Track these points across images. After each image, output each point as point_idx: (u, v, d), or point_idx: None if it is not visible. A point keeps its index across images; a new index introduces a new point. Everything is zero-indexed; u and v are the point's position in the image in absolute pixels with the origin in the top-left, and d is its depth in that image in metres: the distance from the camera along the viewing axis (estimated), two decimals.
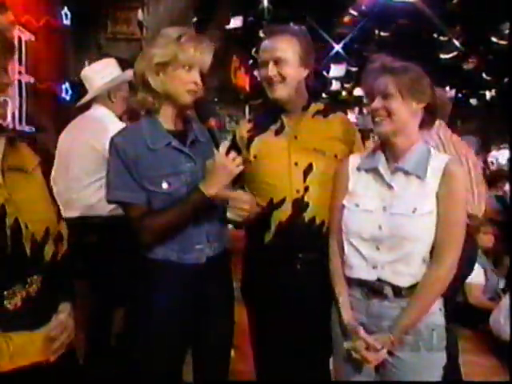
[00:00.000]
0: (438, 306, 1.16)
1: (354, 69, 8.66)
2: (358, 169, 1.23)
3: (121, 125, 1.90)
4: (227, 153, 1.15)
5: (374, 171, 1.19)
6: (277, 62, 1.34)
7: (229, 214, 1.23)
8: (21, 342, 0.91)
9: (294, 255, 1.35)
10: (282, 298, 1.34)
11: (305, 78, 1.41)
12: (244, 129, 1.48)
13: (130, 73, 2.02)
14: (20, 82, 2.78)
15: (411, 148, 1.16)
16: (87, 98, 1.97)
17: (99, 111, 1.95)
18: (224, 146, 1.15)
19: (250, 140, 1.44)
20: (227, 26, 5.69)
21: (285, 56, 1.34)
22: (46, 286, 0.99)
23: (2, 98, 0.89)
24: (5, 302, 0.91)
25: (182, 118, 1.27)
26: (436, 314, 1.16)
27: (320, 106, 1.46)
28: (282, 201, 1.36)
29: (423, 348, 1.13)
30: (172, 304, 1.21)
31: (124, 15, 3.73)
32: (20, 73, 2.78)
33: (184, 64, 1.19)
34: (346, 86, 10.33)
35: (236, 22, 6.07)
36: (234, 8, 5.55)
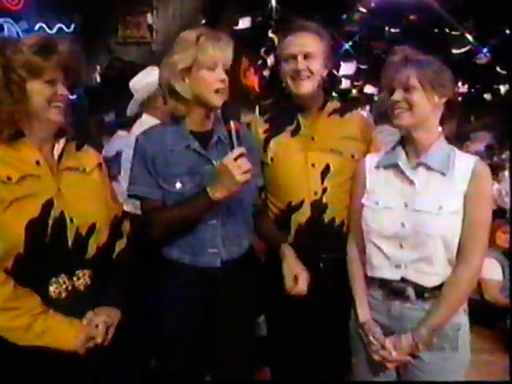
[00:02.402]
0: (462, 306, 1.15)
1: (363, 66, 8.57)
2: (377, 167, 1.21)
3: None
4: (237, 159, 1.10)
5: (394, 167, 1.17)
6: (306, 56, 1.34)
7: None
8: (56, 323, 0.98)
9: (317, 256, 1.36)
10: (306, 298, 1.34)
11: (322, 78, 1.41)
12: (260, 129, 1.47)
13: None
14: None
15: (433, 144, 1.14)
16: (130, 108, 2.01)
17: (144, 120, 1.94)
18: (236, 151, 1.11)
19: (267, 142, 1.44)
20: (235, 27, 5.69)
21: (313, 51, 1.34)
22: (97, 282, 1.06)
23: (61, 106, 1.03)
24: (50, 289, 0.99)
25: (212, 119, 1.27)
26: (461, 315, 1.14)
27: (336, 104, 1.46)
28: (301, 203, 1.35)
29: (448, 349, 1.11)
30: (183, 304, 1.22)
31: (134, 19, 3.77)
32: None
33: (206, 65, 1.18)
34: (356, 83, 10.23)
35: (244, 23, 6.06)
36: (242, 9, 5.56)
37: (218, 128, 1.26)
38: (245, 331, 1.31)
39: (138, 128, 1.90)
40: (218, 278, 1.23)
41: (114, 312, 1.08)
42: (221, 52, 1.19)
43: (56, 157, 1.06)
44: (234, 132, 1.13)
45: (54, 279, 0.99)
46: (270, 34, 6.61)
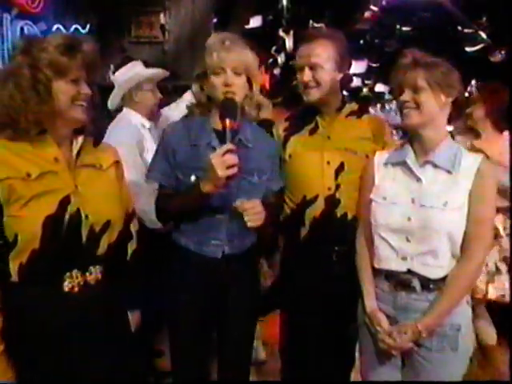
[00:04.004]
0: (465, 298, 1.19)
1: (374, 65, 8.52)
2: (386, 164, 1.26)
3: (146, 124, 1.95)
4: (225, 154, 1.13)
5: (402, 165, 1.22)
6: (312, 67, 1.39)
7: (248, 223, 1.21)
8: None
9: (330, 248, 1.43)
10: (320, 287, 1.41)
11: (340, 80, 1.46)
12: (280, 128, 1.54)
13: (150, 71, 2.07)
14: None
15: (441, 142, 1.17)
16: (112, 101, 2.04)
17: (125, 114, 1.97)
18: (225, 146, 1.15)
19: (286, 139, 1.51)
20: (247, 26, 5.72)
21: (320, 62, 1.39)
22: (106, 277, 1.09)
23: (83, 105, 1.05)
24: (63, 283, 1.01)
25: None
26: (463, 306, 1.18)
27: (354, 106, 1.51)
28: (315, 198, 1.42)
29: (448, 348, 1.15)
30: (189, 288, 1.29)
31: (147, 19, 3.83)
32: None
33: (213, 69, 1.22)
34: (367, 82, 10.16)
35: (255, 22, 6.09)
36: (254, 7, 5.59)
37: (242, 129, 1.30)
38: (247, 324, 1.35)
39: (117, 122, 1.94)
40: (220, 268, 1.28)
41: (136, 316, 1.19)
42: (227, 54, 1.21)
43: (74, 153, 1.07)
44: (228, 129, 1.17)
45: (67, 274, 1.01)
46: (281, 33, 6.63)
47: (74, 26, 3.14)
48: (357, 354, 1.46)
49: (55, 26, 2.87)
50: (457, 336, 1.14)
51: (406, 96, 1.15)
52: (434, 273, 1.15)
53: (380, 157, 1.29)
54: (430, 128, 1.16)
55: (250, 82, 1.29)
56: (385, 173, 1.25)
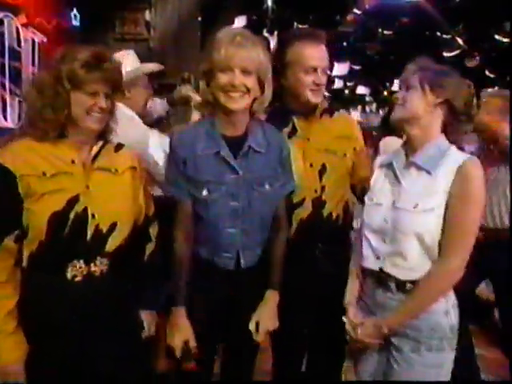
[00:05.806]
0: (444, 306, 1.14)
1: (357, 67, 8.68)
2: (380, 166, 1.27)
3: (139, 122, 1.87)
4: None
5: (390, 166, 1.23)
6: (324, 70, 1.37)
7: None
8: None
9: (315, 246, 1.43)
10: (305, 280, 1.42)
11: None
12: None
13: (148, 66, 2.00)
14: None
15: (427, 143, 1.17)
16: None
17: (125, 111, 1.73)
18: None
19: None
20: (232, 26, 5.72)
21: (327, 65, 1.39)
22: (114, 272, 1.12)
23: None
24: (66, 271, 1.08)
25: (244, 123, 1.21)
26: (439, 314, 1.13)
27: (324, 104, 1.50)
28: (302, 200, 1.41)
29: (423, 347, 1.12)
30: (200, 292, 1.24)
31: (132, 16, 3.77)
32: (33, 73, 2.84)
33: (220, 66, 1.12)
34: (349, 84, 10.33)
35: (240, 22, 6.09)
36: (240, 7, 5.58)
37: (251, 133, 1.21)
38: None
39: (130, 121, 1.81)
40: (232, 277, 1.24)
41: (152, 316, 1.24)
42: (236, 50, 1.11)
43: (92, 157, 1.12)
44: None
45: (71, 263, 1.07)
46: (265, 34, 6.66)
47: (55, 21, 3.05)
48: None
49: (36, 19, 2.77)
50: (432, 336, 1.11)
51: (399, 94, 1.18)
52: (404, 274, 1.14)
53: (379, 159, 1.31)
54: (415, 127, 1.16)
55: (261, 83, 1.18)
56: (378, 175, 1.27)
